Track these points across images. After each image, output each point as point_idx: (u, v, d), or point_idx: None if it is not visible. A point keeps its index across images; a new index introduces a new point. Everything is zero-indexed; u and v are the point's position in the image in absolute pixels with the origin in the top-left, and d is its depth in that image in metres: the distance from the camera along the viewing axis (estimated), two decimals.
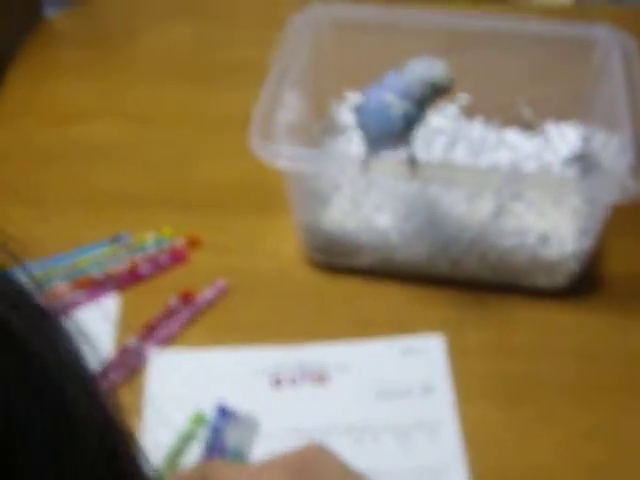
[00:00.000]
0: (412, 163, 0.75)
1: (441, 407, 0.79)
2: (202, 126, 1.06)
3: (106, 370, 0.82)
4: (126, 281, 0.90)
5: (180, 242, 0.92)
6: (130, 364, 0.83)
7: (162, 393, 0.81)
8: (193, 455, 0.76)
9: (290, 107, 0.88)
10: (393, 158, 0.76)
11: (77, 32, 1.23)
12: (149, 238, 0.93)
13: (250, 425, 0.77)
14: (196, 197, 0.98)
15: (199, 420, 0.78)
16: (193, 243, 0.93)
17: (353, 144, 0.96)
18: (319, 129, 0.97)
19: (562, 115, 0.97)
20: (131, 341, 0.84)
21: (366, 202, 0.89)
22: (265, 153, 0.77)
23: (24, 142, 1.06)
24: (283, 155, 0.78)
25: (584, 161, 0.94)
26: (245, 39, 1.15)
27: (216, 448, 0.76)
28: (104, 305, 0.88)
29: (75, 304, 0.88)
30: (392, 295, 0.89)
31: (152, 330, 0.85)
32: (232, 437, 0.77)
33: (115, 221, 0.95)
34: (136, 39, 1.19)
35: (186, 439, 0.77)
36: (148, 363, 0.83)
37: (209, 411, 0.78)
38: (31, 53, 1.17)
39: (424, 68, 0.72)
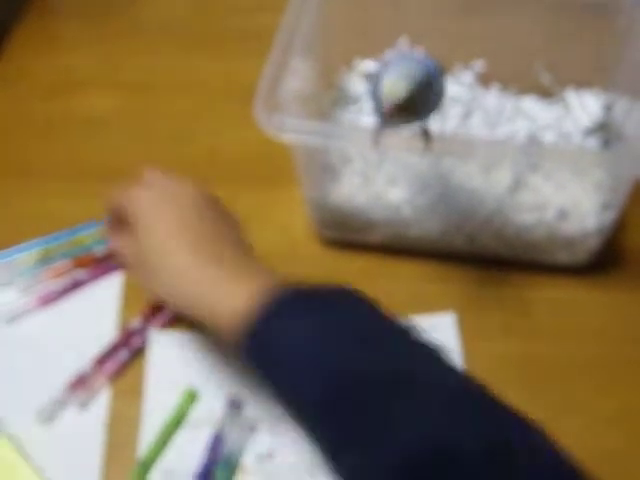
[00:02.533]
0: (425, 136, 0.71)
1: None
2: (205, 96, 1.02)
3: (111, 351, 0.79)
4: None
5: None
6: (134, 345, 0.80)
7: (163, 374, 0.78)
8: (184, 432, 0.75)
9: (298, 76, 0.84)
10: (406, 131, 0.72)
11: (76, 1, 1.19)
12: None
13: (250, 425, 0.75)
14: (199, 170, 0.94)
15: (191, 397, 0.76)
16: None
17: (364, 115, 0.92)
18: (329, 99, 0.93)
19: (583, 82, 0.92)
20: (135, 322, 0.81)
21: (377, 176, 0.85)
22: (270, 125, 0.73)
23: (21, 113, 1.03)
24: (289, 127, 0.73)
25: (606, 131, 0.90)
26: (250, 4, 1.11)
27: (220, 440, 0.74)
28: (107, 284, 0.85)
29: (77, 283, 0.85)
30: (405, 272, 0.85)
31: (157, 310, 0.82)
32: (232, 434, 0.74)
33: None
34: (137, 6, 1.15)
35: (178, 416, 0.75)
36: (151, 343, 0.80)
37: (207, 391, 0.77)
38: (29, 23, 1.14)
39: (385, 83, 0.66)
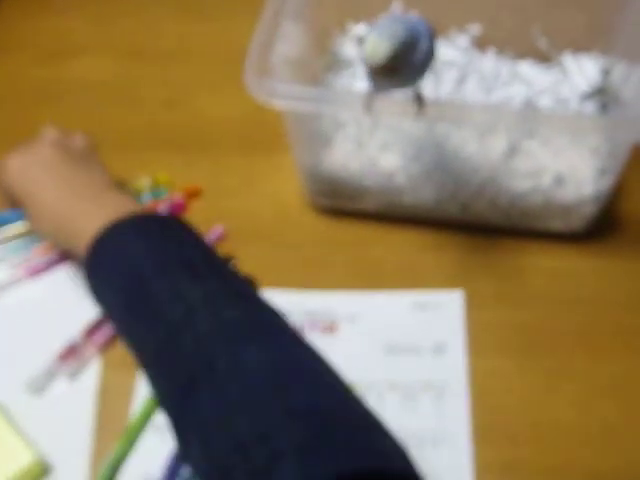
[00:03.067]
0: (418, 100, 0.70)
1: (452, 369, 0.75)
2: (197, 59, 1.00)
3: (101, 321, 0.78)
4: None
5: (178, 195, 0.88)
6: None
7: None
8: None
9: (290, 40, 0.82)
10: (398, 95, 0.70)
11: None
12: (145, 187, 0.88)
13: None
14: (192, 137, 0.93)
15: None
16: (192, 194, 0.88)
17: (358, 79, 0.90)
18: (321, 64, 0.92)
19: (580, 45, 0.90)
20: None
21: (371, 142, 0.83)
22: (261, 91, 0.72)
23: (12, 80, 1.02)
24: (280, 93, 0.72)
25: (604, 95, 0.88)
26: None
27: None
28: None
29: (66, 254, 0.83)
30: (400, 240, 0.84)
31: None
32: None
33: (107, 165, 0.90)
34: None
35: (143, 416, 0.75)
36: None
37: None
38: None
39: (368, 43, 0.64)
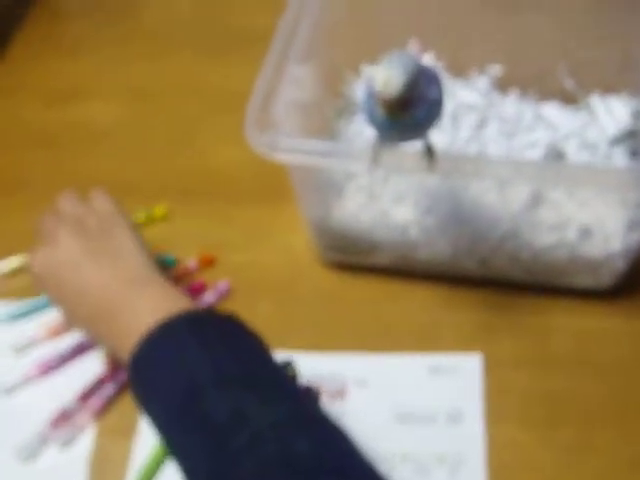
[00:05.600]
0: (429, 154, 0.65)
1: (468, 440, 0.70)
2: (206, 104, 0.96)
3: (96, 385, 0.74)
4: None
5: (193, 262, 0.83)
6: (121, 378, 0.75)
7: None
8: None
9: (297, 84, 0.78)
10: (408, 148, 0.66)
11: (78, 6, 1.13)
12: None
13: None
14: (196, 185, 0.89)
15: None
16: (206, 262, 0.83)
17: None
18: (333, 109, 0.87)
19: (609, 86, 0.85)
20: None
21: (383, 193, 0.78)
22: (261, 144, 0.68)
23: (19, 122, 0.99)
24: (282, 147, 0.67)
25: (635, 139, 0.83)
26: (253, 5, 1.05)
27: None
28: None
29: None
30: (414, 298, 0.79)
31: None
32: None
33: None
34: (138, 12, 1.09)
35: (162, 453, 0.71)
36: None
37: None
38: (32, 27, 1.09)
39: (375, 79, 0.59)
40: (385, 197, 0.78)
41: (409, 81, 0.58)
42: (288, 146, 0.68)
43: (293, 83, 0.76)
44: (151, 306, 0.64)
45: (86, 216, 0.73)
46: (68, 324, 0.74)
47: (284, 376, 0.62)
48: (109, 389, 0.74)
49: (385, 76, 0.58)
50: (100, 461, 0.71)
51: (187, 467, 0.58)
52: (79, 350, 0.77)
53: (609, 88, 0.85)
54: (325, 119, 0.85)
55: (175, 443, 0.59)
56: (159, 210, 0.87)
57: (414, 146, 0.65)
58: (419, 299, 0.79)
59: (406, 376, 0.74)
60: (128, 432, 0.72)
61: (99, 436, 0.72)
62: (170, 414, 0.59)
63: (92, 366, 0.76)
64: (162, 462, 0.70)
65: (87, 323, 0.69)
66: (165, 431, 0.60)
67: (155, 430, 0.61)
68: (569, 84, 0.85)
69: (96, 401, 0.74)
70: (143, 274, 0.69)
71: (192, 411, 0.58)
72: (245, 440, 0.54)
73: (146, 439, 0.71)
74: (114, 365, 0.75)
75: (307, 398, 0.61)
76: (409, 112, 0.60)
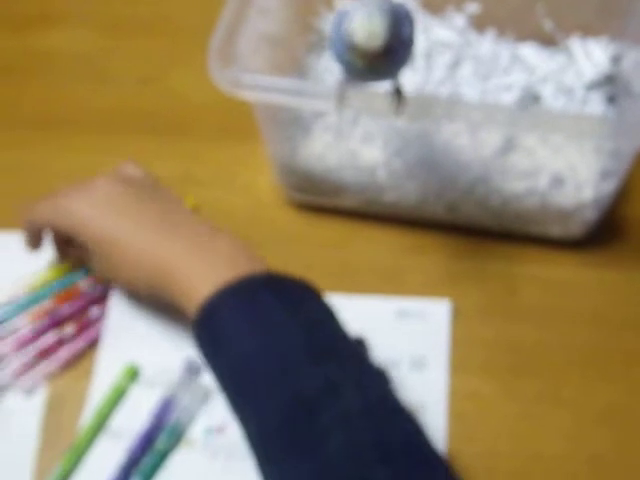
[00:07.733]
0: (397, 96, 0.62)
1: (430, 388, 0.69)
2: (174, 36, 0.92)
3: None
4: None
5: None
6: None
7: (121, 339, 0.72)
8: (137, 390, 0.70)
9: (267, 16, 0.75)
10: (377, 89, 0.63)
11: None
12: None
13: (203, 394, 0.69)
14: (160, 122, 0.86)
15: (131, 374, 0.70)
16: None
17: None
18: (303, 44, 0.84)
19: (589, 29, 0.82)
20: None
21: (352, 133, 0.76)
22: (224, 80, 0.65)
23: None
24: (246, 83, 0.65)
25: (612, 85, 0.80)
26: None
27: (170, 404, 0.68)
28: None
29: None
30: (381, 241, 0.77)
31: None
32: (184, 399, 0.68)
33: (74, 148, 0.84)
34: None
35: (117, 393, 0.69)
36: (109, 308, 0.73)
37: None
38: None
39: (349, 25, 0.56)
40: (353, 137, 0.76)
41: (391, 31, 0.55)
42: (252, 83, 0.65)
43: (261, 14, 0.73)
44: (226, 258, 0.62)
45: (124, 175, 0.71)
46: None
47: (364, 352, 0.62)
48: (79, 344, 0.72)
49: (366, 30, 0.55)
50: (57, 402, 0.69)
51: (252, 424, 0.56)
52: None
53: (589, 31, 0.82)
54: (295, 54, 0.82)
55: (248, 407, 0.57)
56: None
57: (383, 87, 0.63)
58: (386, 242, 0.77)
59: (373, 319, 0.72)
60: (86, 374, 0.71)
61: (56, 378, 0.71)
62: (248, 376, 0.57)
63: None
64: (117, 403, 0.69)
65: (137, 277, 0.65)
66: (231, 390, 0.58)
67: (219, 386, 0.59)
68: (548, 25, 0.82)
69: (64, 353, 0.72)
70: (197, 225, 0.66)
71: (283, 381, 0.55)
72: (336, 414, 0.53)
73: (102, 379, 0.70)
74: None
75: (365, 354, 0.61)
76: (388, 58, 0.57)
